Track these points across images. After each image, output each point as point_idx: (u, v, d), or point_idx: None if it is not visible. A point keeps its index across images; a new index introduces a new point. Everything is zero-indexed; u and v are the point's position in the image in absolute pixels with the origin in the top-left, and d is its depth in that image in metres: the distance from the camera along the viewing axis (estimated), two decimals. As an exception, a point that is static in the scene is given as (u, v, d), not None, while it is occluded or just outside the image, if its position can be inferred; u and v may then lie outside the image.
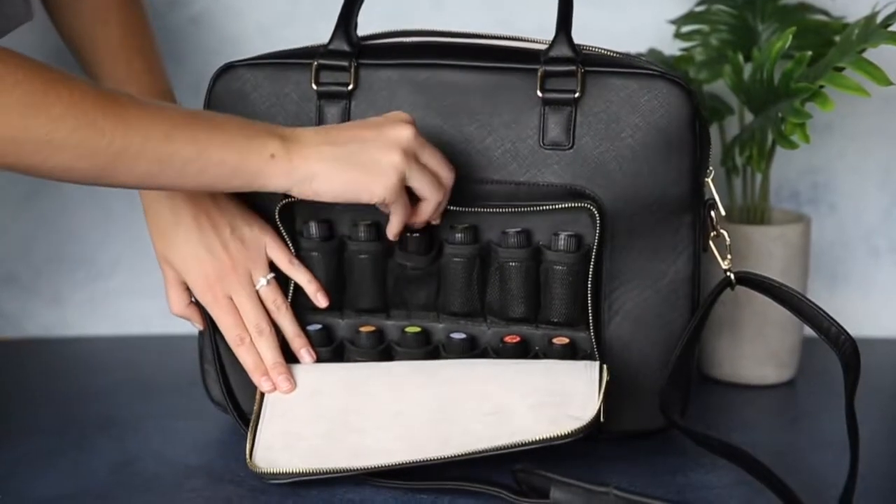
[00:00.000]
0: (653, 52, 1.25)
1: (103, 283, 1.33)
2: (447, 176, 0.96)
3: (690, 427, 0.96)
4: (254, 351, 1.01)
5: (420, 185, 0.94)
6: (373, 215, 0.99)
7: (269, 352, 1.00)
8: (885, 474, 1.01)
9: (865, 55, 1.03)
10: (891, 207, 1.34)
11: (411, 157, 0.93)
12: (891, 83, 1.02)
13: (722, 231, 1.00)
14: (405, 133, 0.93)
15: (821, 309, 0.96)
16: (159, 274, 1.04)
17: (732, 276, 1.00)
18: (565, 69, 0.97)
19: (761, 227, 1.19)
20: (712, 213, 1.00)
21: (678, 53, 1.24)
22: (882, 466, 1.03)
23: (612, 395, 0.94)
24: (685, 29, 1.24)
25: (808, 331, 1.20)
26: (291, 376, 1.00)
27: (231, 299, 1.01)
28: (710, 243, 1.00)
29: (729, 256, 1.00)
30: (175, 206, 1.00)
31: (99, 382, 1.20)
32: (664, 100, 0.97)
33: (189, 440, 1.05)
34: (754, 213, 1.21)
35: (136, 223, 1.30)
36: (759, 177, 1.20)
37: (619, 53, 1.00)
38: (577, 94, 0.97)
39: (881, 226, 1.34)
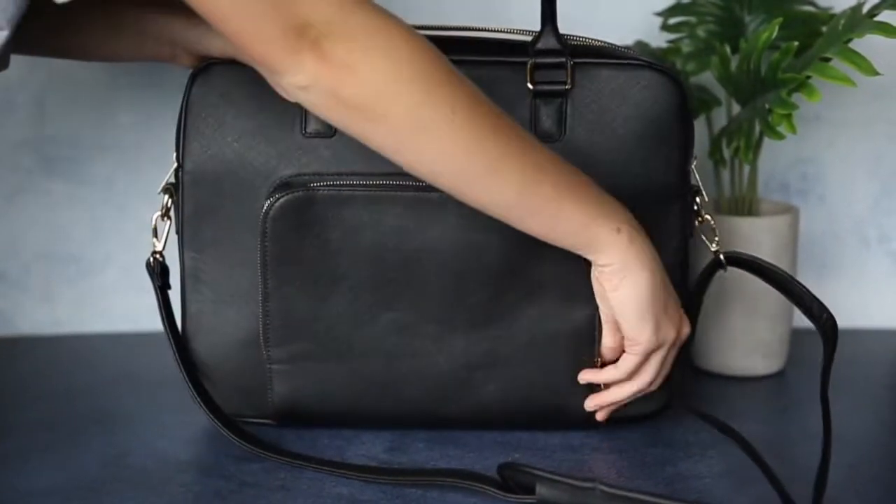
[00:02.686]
0: (640, 45, 1.25)
1: (93, 280, 1.33)
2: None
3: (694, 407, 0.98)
4: None
5: (648, 372, 0.97)
6: None
7: None
8: (873, 463, 1.01)
9: (852, 45, 1.03)
10: (880, 197, 1.34)
11: (671, 346, 0.96)
12: (877, 73, 1.02)
13: (707, 216, 1.01)
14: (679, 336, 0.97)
15: (806, 289, 0.98)
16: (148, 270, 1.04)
17: (722, 257, 1.01)
18: (555, 61, 0.98)
19: (750, 219, 1.19)
20: (697, 199, 1.01)
21: (665, 45, 1.24)
22: (870, 455, 1.03)
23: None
24: (672, 21, 1.24)
25: (797, 322, 1.21)
26: None
27: None
28: (698, 228, 1.02)
29: (716, 239, 1.01)
30: None
31: (90, 378, 1.20)
32: (654, 90, 0.98)
33: (179, 435, 1.05)
34: (743, 204, 1.21)
35: (125, 220, 1.31)
36: (747, 168, 1.20)
37: (605, 43, 1.00)
38: (567, 87, 0.97)
39: (871, 216, 1.35)
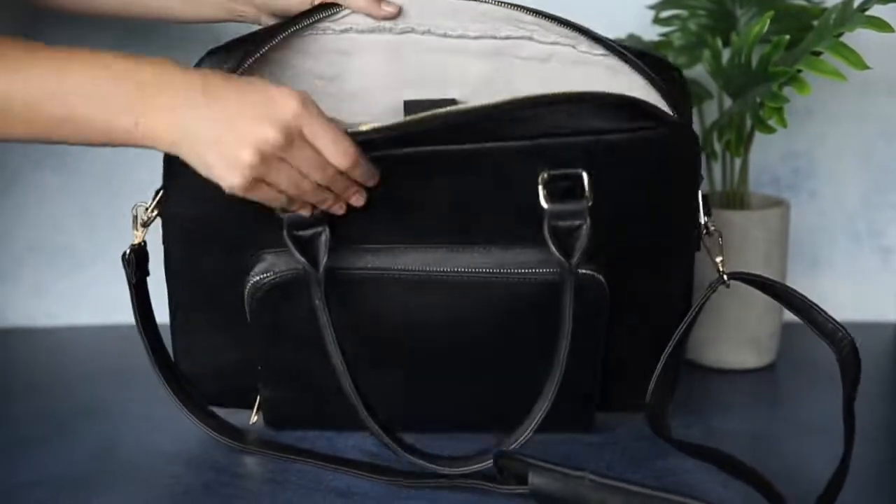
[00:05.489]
0: (632, 38, 1.25)
1: (85, 272, 1.33)
2: (335, 157, 0.88)
3: (683, 440, 0.97)
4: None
5: (281, 182, 0.87)
6: None
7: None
8: (864, 456, 1.01)
9: (843, 40, 1.03)
10: (871, 192, 1.34)
11: (272, 158, 0.86)
12: (867, 67, 1.02)
13: (714, 229, 0.96)
14: (271, 133, 0.85)
15: (816, 305, 0.94)
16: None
17: (726, 277, 0.96)
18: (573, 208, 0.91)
19: (741, 212, 1.19)
20: (705, 219, 0.96)
21: (657, 39, 1.24)
22: (862, 449, 1.03)
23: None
24: (664, 14, 1.24)
25: (788, 316, 1.21)
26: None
27: None
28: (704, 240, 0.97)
29: (721, 257, 0.96)
30: None
31: (81, 370, 1.20)
32: (670, 153, 0.94)
33: (170, 427, 1.05)
34: (734, 198, 1.21)
35: (117, 213, 1.31)
36: (738, 162, 1.20)
37: (612, 47, 0.98)
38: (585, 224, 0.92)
39: (862, 210, 1.35)
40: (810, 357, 1.25)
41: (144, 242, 0.99)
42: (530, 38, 0.99)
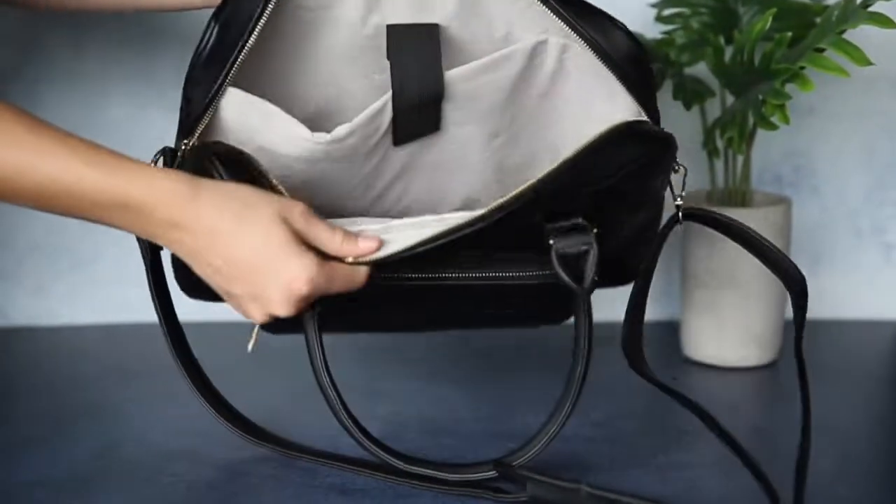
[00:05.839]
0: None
1: (86, 271, 1.33)
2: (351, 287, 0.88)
3: (659, 380, 0.96)
4: None
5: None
6: None
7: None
8: (865, 454, 1.01)
9: (846, 36, 1.03)
10: (873, 189, 1.34)
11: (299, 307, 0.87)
12: (870, 63, 1.02)
13: (681, 166, 0.96)
14: (290, 310, 0.87)
15: (770, 243, 0.95)
16: (141, 261, 1.03)
17: (680, 214, 0.97)
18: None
19: (743, 210, 1.19)
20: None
21: (659, 36, 1.24)
22: (862, 447, 1.03)
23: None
24: (666, 12, 1.24)
25: (791, 313, 1.21)
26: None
27: None
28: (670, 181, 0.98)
29: (683, 193, 0.97)
30: None
31: (82, 370, 1.20)
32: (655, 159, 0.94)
33: (171, 426, 1.05)
34: (736, 195, 1.21)
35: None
36: (741, 160, 1.20)
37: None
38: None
39: (864, 207, 1.35)
40: (813, 355, 1.24)
41: None
42: None
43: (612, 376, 1.03)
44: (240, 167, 0.90)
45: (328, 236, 0.86)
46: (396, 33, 0.96)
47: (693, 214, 0.98)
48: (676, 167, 0.96)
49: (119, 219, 0.86)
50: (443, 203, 1.01)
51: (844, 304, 1.35)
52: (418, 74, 0.94)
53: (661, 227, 0.98)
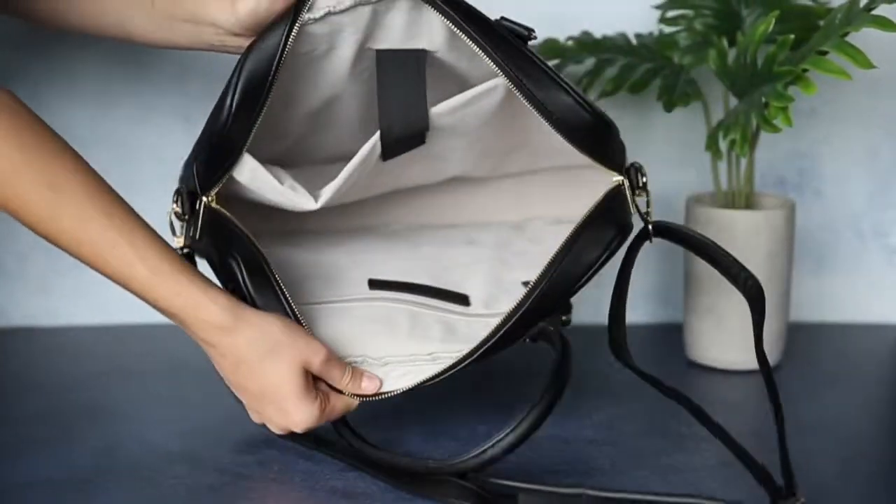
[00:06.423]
0: (638, 38, 1.25)
1: (89, 271, 1.32)
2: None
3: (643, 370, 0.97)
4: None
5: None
6: None
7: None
8: (868, 458, 1.01)
9: (849, 39, 1.03)
10: (876, 192, 1.34)
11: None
12: (873, 66, 1.02)
13: (645, 182, 0.97)
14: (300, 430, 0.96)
15: (730, 255, 0.95)
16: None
17: (651, 228, 0.98)
18: None
19: (746, 212, 1.19)
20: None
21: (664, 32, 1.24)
22: (865, 450, 1.03)
23: None
24: (670, 14, 1.24)
25: (793, 317, 1.21)
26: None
27: None
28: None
29: (650, 210, 0.97)
30: None
31: (84, 370, 1.20)
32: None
33: (173, 427, 1.05)
34: (739, 198, 1.21)
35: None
36: (743, 162, 1.20)
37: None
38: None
39: (867, 210, 1.34)
40: (815, 359, 1.25)
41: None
42: None
43: (612, 378, 1.03)
44: (262, 276, 0.95)
45: (339, 376, 0.95)
46: (385, 60, 0.97)
47: (665, 231, 0.98)
48: (640, 192, 0.97)
49: (162, 311, 0.95)
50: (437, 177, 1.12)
51: (847, 307, 1.34)
52: (404, 113, 0.97)
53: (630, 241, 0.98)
